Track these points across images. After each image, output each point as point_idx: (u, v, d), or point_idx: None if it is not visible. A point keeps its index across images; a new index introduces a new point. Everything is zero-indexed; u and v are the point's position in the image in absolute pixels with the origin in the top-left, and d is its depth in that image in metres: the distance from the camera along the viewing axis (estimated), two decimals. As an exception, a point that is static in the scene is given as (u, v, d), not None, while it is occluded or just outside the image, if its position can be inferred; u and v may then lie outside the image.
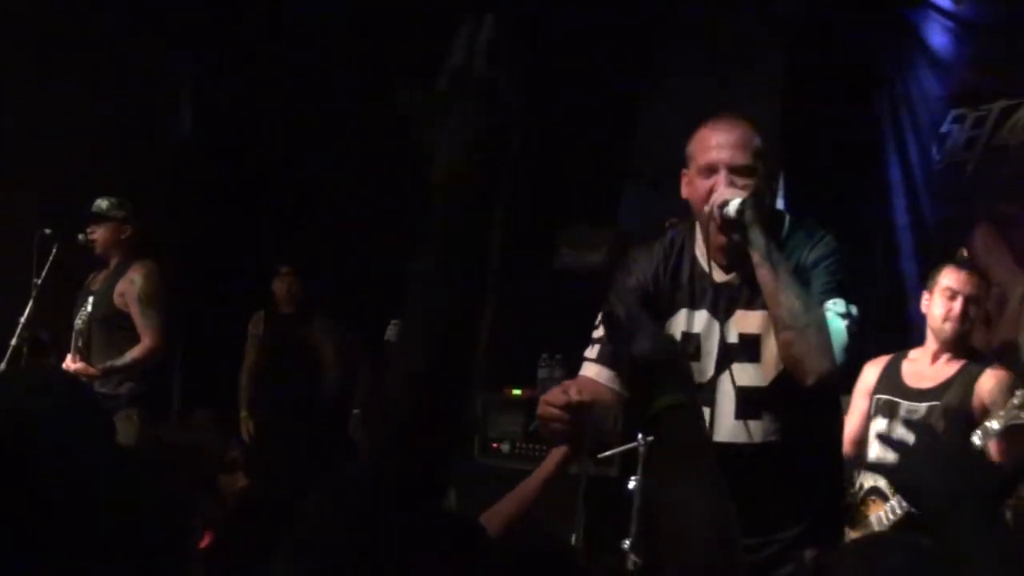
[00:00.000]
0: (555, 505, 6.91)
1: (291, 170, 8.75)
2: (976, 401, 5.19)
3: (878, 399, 5.48)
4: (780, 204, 9.02)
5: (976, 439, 4.95)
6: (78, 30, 8.20)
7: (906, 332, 8.38)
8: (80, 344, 7.06)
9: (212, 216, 8.63)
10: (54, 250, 7.19)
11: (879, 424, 5.39)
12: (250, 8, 8.66)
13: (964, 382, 5.25)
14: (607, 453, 6.96)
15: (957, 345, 5.43)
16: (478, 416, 7.96)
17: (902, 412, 5.34)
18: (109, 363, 6.99)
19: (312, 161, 8.74)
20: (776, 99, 9.04)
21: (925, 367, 5.47)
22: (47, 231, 7.21)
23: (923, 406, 5.26)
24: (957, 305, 5.34)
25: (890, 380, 5.53)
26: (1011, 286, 8.05)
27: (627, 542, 6.36)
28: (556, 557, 2.64)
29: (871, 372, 5.64)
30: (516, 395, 7.95)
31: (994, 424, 4.94)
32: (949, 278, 5.38)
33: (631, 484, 6.47)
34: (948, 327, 5.35)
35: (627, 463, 6.86)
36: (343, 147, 8.81)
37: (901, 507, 4.96)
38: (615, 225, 8.97)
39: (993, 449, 4.95)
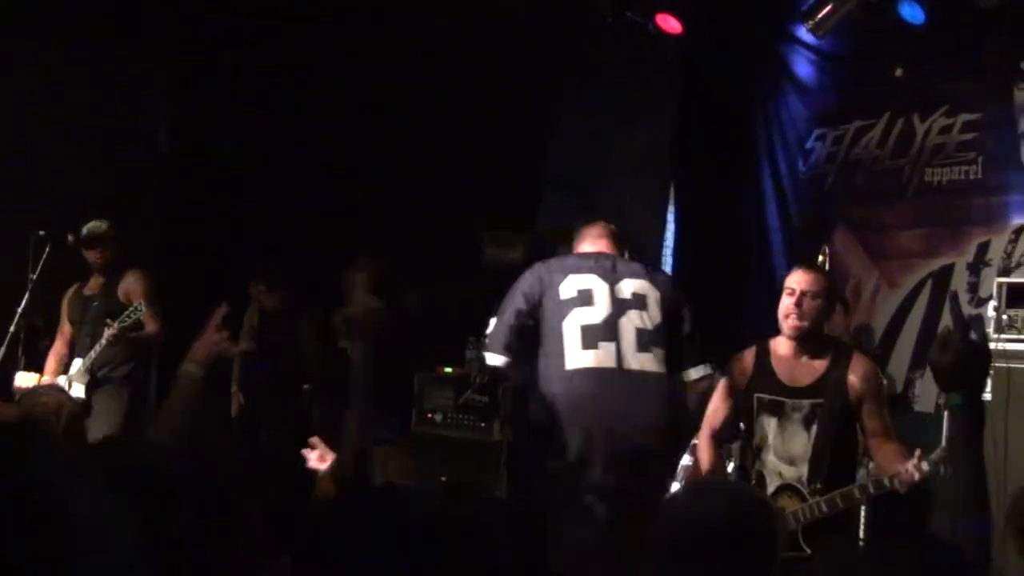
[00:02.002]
0: (480, 467, 7.20)
1: (263, 179, 8.79)
2: (852, 394, 4.89)
3: (760, 398, 5.00)
4: (671, 211, 9.39)
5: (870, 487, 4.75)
6: (61, 46, 8.10)
7: (775, 316, 8.67)
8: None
9: (188, 224, 8.60)
10: (47, 250, 7.32)
11: (770, 422, 4.94)
12: (226, 26, 8.55)
13: (836, 378, 4.91)
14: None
15: (808, 339, 4.97)
16: (415, 391, 8.06)
17: (788, 410, 4.93)
18: (120, 329, 6.95)
19: (283, 170, 8.77)
20: (667, 119, 9.22)
21: (793, 364, 5.01)
22: (41, 233, 7.33)
23: (806, 403, 4.91)
24: (792, 300, 4.92)
25: (764, 379, 5.03)
26: (865, 279, 8.31)
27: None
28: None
29: (737, 369, 5.11)
30: (448, 372, 8.02)
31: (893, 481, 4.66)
32: (791, 278, 5.00)
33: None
34: (786, 323, 4.93)
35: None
36: (314, 157, 8.86)
37: (820, 510, 4.76)
38: (533, 227, 9.06)
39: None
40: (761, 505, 2.63)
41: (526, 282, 5.22)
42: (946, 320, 7.47)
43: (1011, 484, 5.32)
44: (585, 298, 5.08)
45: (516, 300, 5.16)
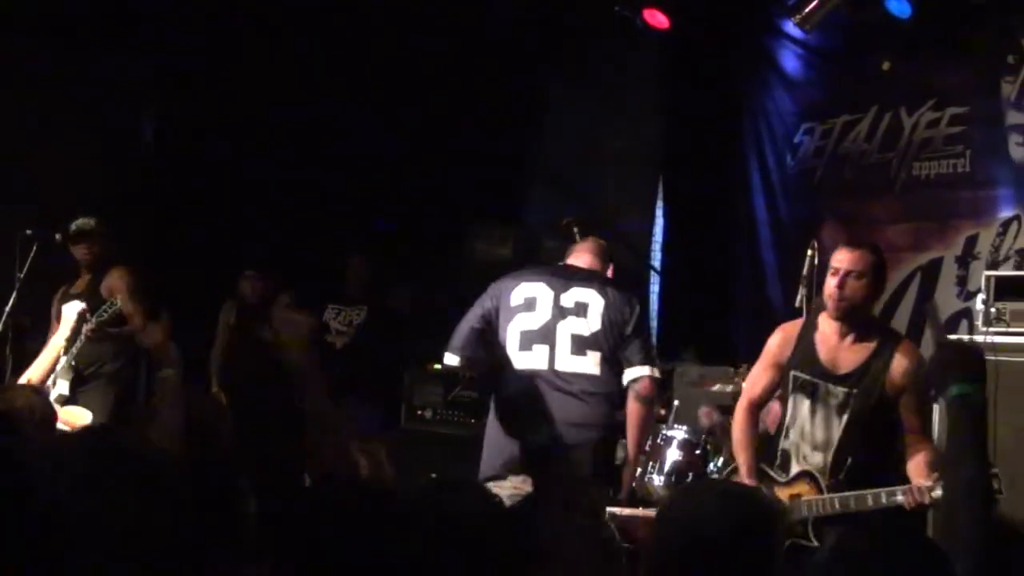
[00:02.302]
0: (470, 462, 7.20)
1: (247, 177, 8.69)
2: (890, 387, 4.77)
3: (796, 376, 4.96)
4: (659, 206, 9.40)
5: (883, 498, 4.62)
6: (46, 46, 8.06)
7: (764, 310, 8.69)
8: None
9: (173, 220, 8.58)
10: (34, 249, 7.29)
11: (803, 403, 4.91)
12: (211, 24, 8.47)
13: (877, 369, 4.79)
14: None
15: (853, 320, 4.87)
16: (405, 388, 8.05)
17: (821, 394, 4.86)
18: (100, 322, 6.91)
19: (266, 168, 8.71)
20: (656, 113, 9.26)
21: (836, 346, 4.91)
22: (28, 232, 7.30)
23: (841, 390, 4.83)
24: (835, 281, 4.81)
25: (806, 357, 4.96)
26: (853, 272, 8.38)
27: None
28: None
29: (781, 340, 5.09)
30: (437, 369, 7.92)
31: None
32: (835, 257, 4.87)
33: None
34: (830, 304, 4.83)
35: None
36: (301, 154, 8.81)
37: (832, 507, 4.70)
38: (521, 223, 9.10)
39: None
40: (760, 506, 2.59)
41: (488, 292, 5.46)
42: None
43: (1000, 476, 5.35)
44: (529, 304, 5.31)
45: (476, 308, 5.43)
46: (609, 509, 5.45)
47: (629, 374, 5.24)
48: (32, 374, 6.53)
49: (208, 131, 8.69)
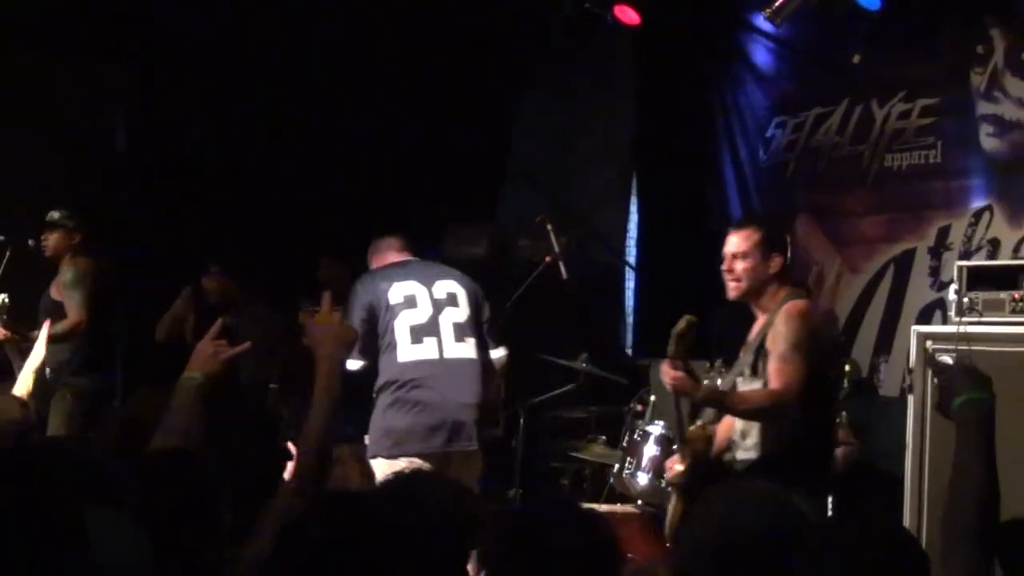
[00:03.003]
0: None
1: (220, 180, 8.67)
2: (770, 343, 4.80)
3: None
4: (633, 201, 9.41)
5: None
6: (18, 46, 8.07)
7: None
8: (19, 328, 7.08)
9: (145, 220, 8.53)
10: (7, 255, 7.29)
11: (737, 382, 4.98)
12: (183, 24, 8.44)
13: (766, 324, 4.85)
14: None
15: (758, 297, 4.96)
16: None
17: (739, 367, 4.99)
18: (35, 331, 6.94)
19: (242, 169, 8.70)
20: (630, 109, 9.28)
21: (757, 323, 5.02)
22: (1, 238, 7.31)
23: (746, 361, 4.93)
24: (725, 268, 4.98)
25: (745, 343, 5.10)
26: (828, 265, 8.33)
27: (510, 492, 6.66)
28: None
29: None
30: None
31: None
32: (726, 242, 5.02)
33: (513, 443, 6.78)
34: (729, 287, 5.00)
35: (510, 425, 7.15)
36: (273, 155, 8.81)
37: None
38: (494, 222, 9.12)
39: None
40: (792, 509, 2.53)
41: (363, 295, 5.89)
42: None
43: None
44: (410, 301, 5.83)
45: (358, 312, 5.84)
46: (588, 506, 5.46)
47: (497, 352, 5.96)
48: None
49: (180, 134, 8.67)
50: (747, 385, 4.91)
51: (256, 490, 3.31)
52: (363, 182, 8.79)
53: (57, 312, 7.25)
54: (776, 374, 4.76)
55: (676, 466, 5.01)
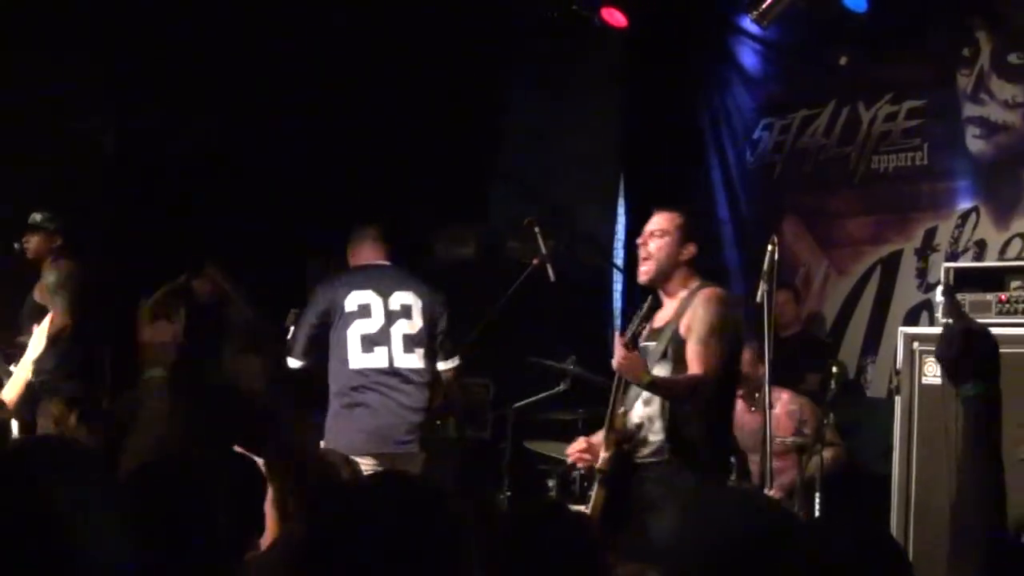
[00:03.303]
0: (436, 465, 7.20)
1: (208, 184, 8.63)
2: (683, 329, 4.79)
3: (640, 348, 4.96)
4: (621, 203, 9.41)
5: None
6: (5, 47, 7.94)
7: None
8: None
9: (134, 222, 8.48)
10: None
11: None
12: (171, 26, 8.40)
13: (680, 310, 4.85)
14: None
15: (666, 282, 4.97)
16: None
17: (649, 353, 4.87)
18: (20, 336, 6.90)
19: (230, 171, 8.56)
20: (616, 111, 9.27)
21: (664, 310, 5.00)
22: None
23: (653, 344, 4.87)
24: (640, 243, 5.02)
25: (649, 330, 5.01)
26: (815, 267, 8.35)
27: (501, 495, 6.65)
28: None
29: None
30: None
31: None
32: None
33: (502, 445, 6.78)
34: (639, 269, 5.03)
35: (498, 427, 7.15)
36: (261, 157, 8.71)
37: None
38: (483, 224, 9.08)
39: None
40: (783, 515, 2.55)
41: (320, 301, 6.22)
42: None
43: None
44: (364, 311, 6.14)
45: (310, 315, 6.21)
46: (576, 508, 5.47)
47: (447, 364, 6.26)
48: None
49: (170, 136, 8.64)
50: (660, 371, 4.86)
51: (247, 491, 3.32)
52: (351, 184, 8.77)
53: (40, 315, 7.19)
54: (697, 357, 4.79)
55: (602, 453, 4.99)
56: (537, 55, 9.40)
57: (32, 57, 8.16)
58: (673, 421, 4.87)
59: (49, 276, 7.29)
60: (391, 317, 6.15)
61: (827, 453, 6.31)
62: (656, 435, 4.91)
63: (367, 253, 6.42)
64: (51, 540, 1.87)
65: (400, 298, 6.21)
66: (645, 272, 5.03)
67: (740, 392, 6.73)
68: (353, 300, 6.14)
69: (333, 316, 6.13)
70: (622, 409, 4.94)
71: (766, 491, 5.28)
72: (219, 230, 8.50)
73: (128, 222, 8.49)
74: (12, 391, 6.23)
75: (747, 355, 6.73)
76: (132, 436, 3.32)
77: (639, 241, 5.08)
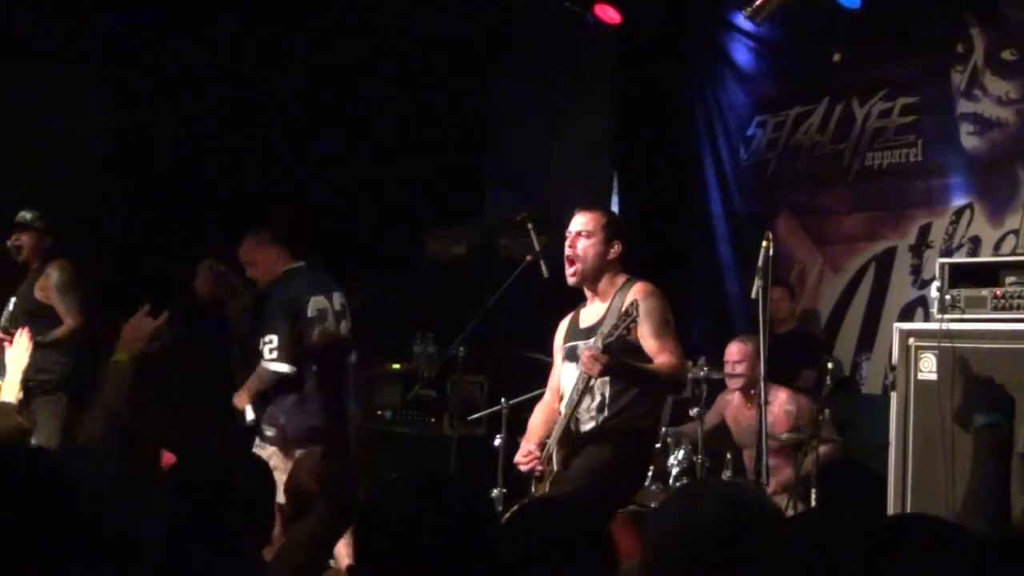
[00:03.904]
0: (431, 462, 7.19)
1: (202, 175, 8.64)
2: (623, 324, 4.79)
3: (565, 347, 5.21)
4: (615, 200, 9.40)
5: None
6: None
7: (721, 303, 8.71)
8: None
9: (124, 219, 8.48)
10: None
11: (567, 368, 5.13)
12: (162, 20, 8.38)
13: (616, 306, 4.92)
14: (476, 416, 7.20)
15: (595, 282, 5.08)
16: (364, 387, 7.95)
17: (578, 353, 4.95)
18: (38, 338, 6.93)
19: (222, 166, 8.66)
20: (608, 110, 9.25)
21: (590, 309, 5.15)
22: None
23: (591, 341, 4.91)
24: (567, 245, 5.07)
25: (571, 329, 5.22)
26: (809, 264, 8.35)
27: (494, 491, 6.64)
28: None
29: (561, 327, 5.34)
30: (395, 368, 8.01)
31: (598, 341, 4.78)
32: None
33: (496, 441, 6.76)
34: (566, 270, 5.10)
35: (492, 424, 7.13)
36: (253, 153, 8.76)
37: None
38: (476, 222, 9.06)
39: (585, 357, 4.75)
40: (758, 507, 2.51)
41: (287, 301, 6.44)
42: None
43: (957, 461, 5.37)
44: (323, 315, 6.47)
45: (284, 320, 6.40)
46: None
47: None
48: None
49: (162, 134, 8.62)
50: None
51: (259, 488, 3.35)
52: (343, 183, 8.77)
53: (43, 314, 7.17)
54: (661, 350, 4.92)
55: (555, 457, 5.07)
56: (531, 52, 9.39)
57: (23, 56, 8.14)
58: (613, 403, 4.98)
59: (54, 275, 7.25)
60: (338, 317, 6.57)
61: (823, 449, 6.30)
62: (591, 417, 5.02)
63: (284, 255, 6.67)
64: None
65: (338, 298, 6.67)
66: (573, 273, 5.12)
67: (737, 387, 6.75)
68: (313, 305, 6.48)
69: (299, 321, 6.39)
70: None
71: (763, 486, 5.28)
72: (211, 228, 8.48)
73: (119, 220, 8.47)
74: (13, 391, 6.22)
75: (742, 350, 6.77)
76: (88, 412, 3.40)
77: (567, 245, 5.14)
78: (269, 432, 6.44)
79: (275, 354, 6.37)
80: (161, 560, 2.23)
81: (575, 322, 5.26)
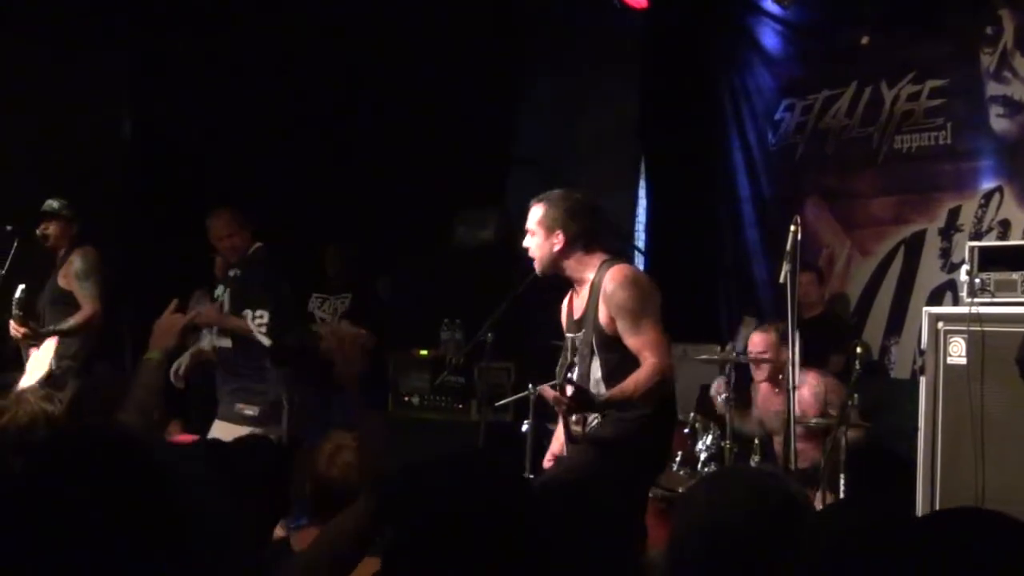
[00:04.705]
0: (459, 447, 7.19)
1: (226, 170, 8.63)
2: (603, 318, 4.71)
3: (566, 337, 5.04)
4: (642, 185, 9.39)
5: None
6: (22, 37, 7.96)
7: (749, 287, 8.71)
8: (32, 323, 7.04)
9: (150, 209, 8.49)
10: (15, 244, 7.24)
11: (568, 363, 4.98)
12: (188, 11, 8.41)
13: (593, 297, 4.74)
14: (503, 401, 7.20)
15: (565, 271, 4.91)
16: (390, 374, 8.03)
17: (572, 346, 4.89)
18: (53, 327, 6.98)
19: (248, 157, 8.58)
20: (635, 93, 9.26)
21: (574, 297, 4.97)
22: (8, 228, 7.26)
23: (578, 336, 4.84)
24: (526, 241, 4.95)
25: (568, 317, 5.01)
26: (838, 248, 8.33)
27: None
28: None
29: (563, 311, 5.15)
30: (423, 355, 7.97)
31: None
32: None
33: (524, 427, 6.77)
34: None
35: (520, 410, 7.14)
36: (280, 142, 8.75)
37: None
38: (502, 206, 8.93)
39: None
40: (787, 495, 2.47)
41: (270, 286, 6.64)
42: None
43: (987, 446, 5.36)
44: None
45: (276, 296, 6.63)
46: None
47: None
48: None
49: (186, 124, 8.64)
50: (596, 365, 4.83)
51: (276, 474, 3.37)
52: (369, 168, 8.78)
53: (66, 301, 7.22)
54: (644, 347, 4.68)
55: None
56: (557, 36, 9.38)
57: (48, 46, 8.17)
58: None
59: (77, 262, 7.29)
60: None
61: (851, 435, 6.28)
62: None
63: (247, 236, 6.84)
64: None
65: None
66: (538, 269, 4.95)
67: (763, 378, 6.73)
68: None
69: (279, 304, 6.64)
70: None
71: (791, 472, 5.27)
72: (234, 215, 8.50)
73: (145, 209, 8.50)
74: (38, 375, 6.27)
75: (765, 339, 6.75)
76: (122, 411, 3.43)
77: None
78: (249, 411, 6.49)
79: (264, 329, 6.48)
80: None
81: (571, 310, 5.03)
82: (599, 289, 4.74)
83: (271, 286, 6.62)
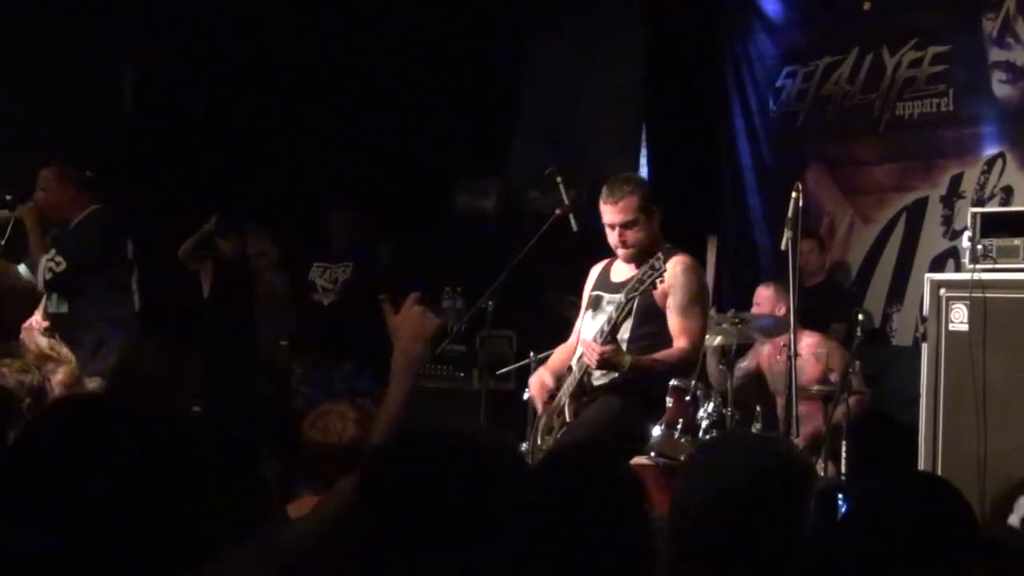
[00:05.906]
0: (460, 416, 7.20)
1: (228, 136, 8.61)
2: (656, 290, 4.97)
3: (590, 295, 5.35)
4: (644, 153, 9.36)
5: None
6: (24, 6, 7.89)
7: (751, 255, 8.69)
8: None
9: (154, 180, 8.41)
10: (14, 213, 7.18)
11: (587, 316, 5.30)
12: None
13: (647, 275, 4.90)
14: (505, 370, 7.21)
15: (641, 255, 5.15)
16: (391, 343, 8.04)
17: (603, 304, 5.19)
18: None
19: (250, 126, 8.65)
20: (639, 59, 9.20)
21: (625, 267, 5.26)
22: (7, 197, 7.19)
23: (618, 296, 5.05)
24: (615, 235, 5.16)
25: (601, 278, 5.36)
26: (839, 215, 8.30)
27: (524, 445, 6.66)
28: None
29: (593, 272, 5.50)
30: None
31: None
32: (603, 211, 5.22)
33: (525, 395, 6.77)
34: (620, 253, 5.21)
35: (521, 378, 7.14)
36: (281, 111, 8.74)
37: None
38: (504, 175, 9.03)
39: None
40: (788, 459, 2.47)
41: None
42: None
43: (989, 413, 5.36)
44: None
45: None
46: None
47: None
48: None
49: (188, 90, 8.62)
50: (626, 327, 5.13)
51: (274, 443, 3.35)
52: (372, 138, 8.75)
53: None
54: (681, 330, 5.09)
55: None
56: (559, 3, 9.32)
57: (47, 14, 8.13)
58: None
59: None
60: None
61: (852, 400, 6.29)
62: (605, 375, 5.15)
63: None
64: None
65: None
66: (629, 257, 5.23)
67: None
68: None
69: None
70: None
71: (792, 438, 5.28)
72: (240, 181, 8.49)
73: (148, 174, 8.48)
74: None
75: (770, 291, 6.80)
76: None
77: (617, 239, 5.24)
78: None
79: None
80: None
81: (606, 273, 5.37)
82: (664, 264, 4.91)
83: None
